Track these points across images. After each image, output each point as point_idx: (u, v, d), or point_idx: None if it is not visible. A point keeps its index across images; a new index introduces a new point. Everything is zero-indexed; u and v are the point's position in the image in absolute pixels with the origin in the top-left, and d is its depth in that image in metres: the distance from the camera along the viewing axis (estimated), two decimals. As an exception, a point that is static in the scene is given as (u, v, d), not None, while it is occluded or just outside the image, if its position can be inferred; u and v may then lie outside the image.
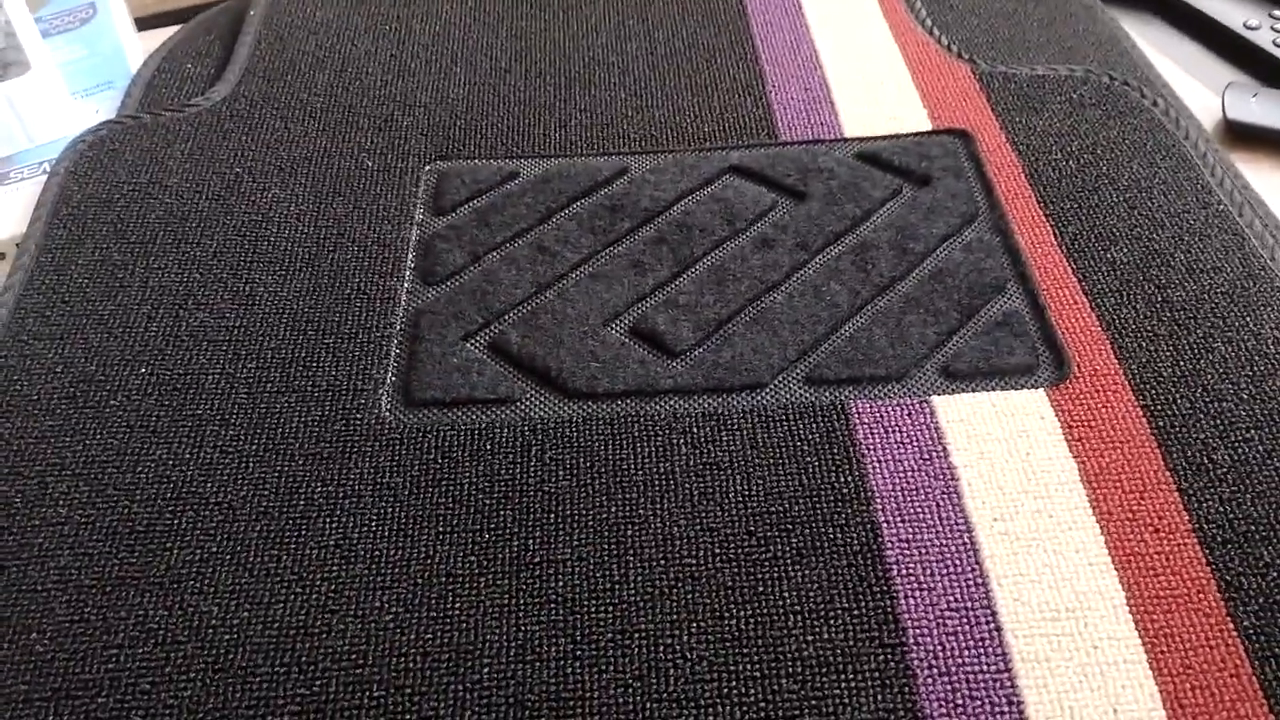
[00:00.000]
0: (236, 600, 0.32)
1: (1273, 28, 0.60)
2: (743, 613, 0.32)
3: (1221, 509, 0.33)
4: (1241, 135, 0.53)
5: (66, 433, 0.37)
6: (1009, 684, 0.30)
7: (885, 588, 0.32)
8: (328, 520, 0.34)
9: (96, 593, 0.33)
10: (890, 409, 0.37)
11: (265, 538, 0.34)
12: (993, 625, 0.31)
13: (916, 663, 0.30)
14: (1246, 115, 0.53)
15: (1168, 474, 0.34)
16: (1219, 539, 0.33)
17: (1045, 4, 0.59)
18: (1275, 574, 0.32)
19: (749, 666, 0.30)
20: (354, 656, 0.31)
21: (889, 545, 0.33)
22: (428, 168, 0.48)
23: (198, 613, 0.32)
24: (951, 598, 0.32)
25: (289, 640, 0.31)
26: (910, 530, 0.33)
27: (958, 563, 0.33)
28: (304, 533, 0.34)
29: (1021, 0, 0.59)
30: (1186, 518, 0.33)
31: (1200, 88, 0.57)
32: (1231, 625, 0.31)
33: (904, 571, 0.32)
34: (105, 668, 0.31)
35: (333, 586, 0.33)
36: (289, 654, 0.31)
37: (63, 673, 0.31)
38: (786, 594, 0.32)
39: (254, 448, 0.37)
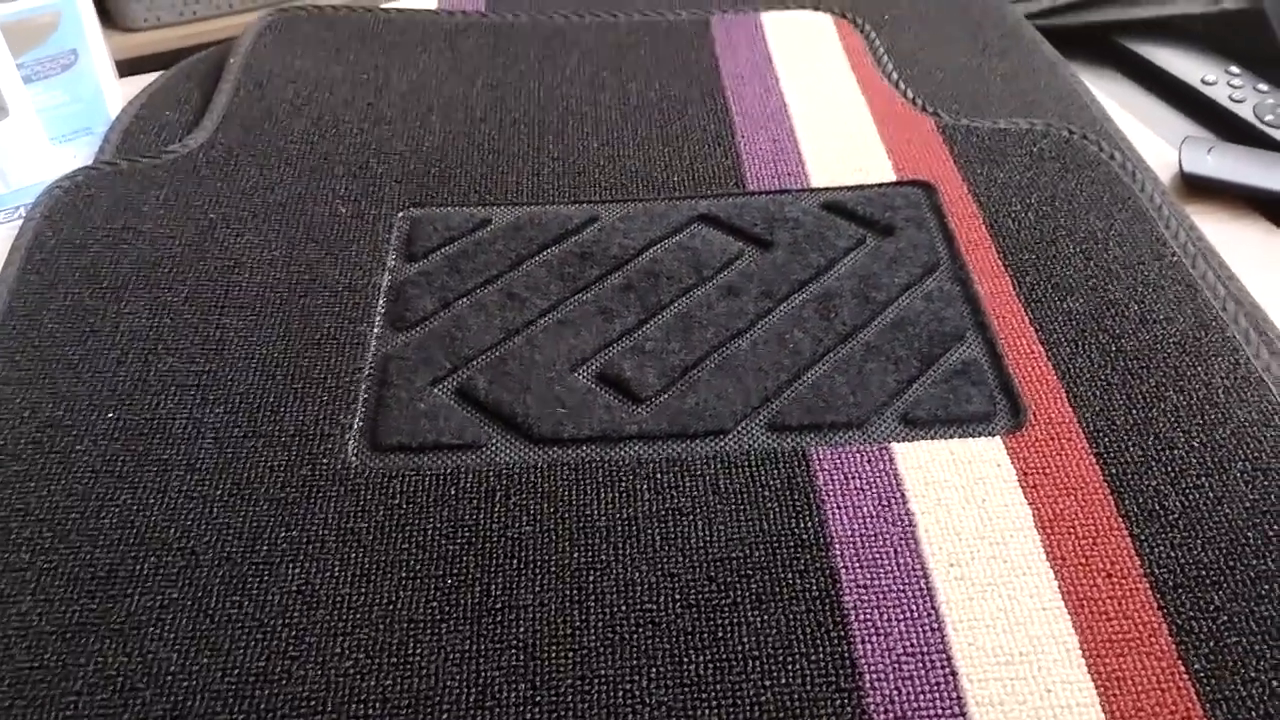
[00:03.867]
0: (196, 647, 0.32)
1: (1229, 84, 0.62)
2: (702, 658, 0.32)
3: (1173, 554, 0.34)
4: (1197, 187, 0.54)
5: (31, 477, 0.37)
6: None
7: (843, 633, 0.32)
8: (290, 566, 0.34)
9: (56, 639, 0.33)
10: (850, 456, 0.37)
11: (227, 583, 0.34)
12: (948, 670, 0.31)
13: (873, 707, 0.31)
14: (1202, 168, 0.54)
15: (1120, 520, 0.35)
16: (1170, 584, 0.33)
17: (1008, 59, 0.60)
18: (1225, 618, 0.32)
19: (708, 712, 0.31)
20: (313, 703, 0.31)
21: (847, 591, 0.33)
22: (401, 214, 0.49)
23: (157, 659, 0.32)
24: (908, 643, 0.32)
25: (248, 687, 0.31)
26: (868, 576, 0.34)
27: (914, 608, 0.33)
28: (266, 578, 0.34)
29: (985, 55, 0.61)
30: (1138, 563, 0.34)
31: (1158, 141, 0.58)
32: (1182, 668, 0.31)
33: (861, 617, 0.33)
34: (63, 715, 0.31)
35: (293, 633, 0.33)
36: (248, 701, 0.31)
37: (21, 719, 0.31)
38: (746, 639, 0.32)
39: (219, 493, 0.37)
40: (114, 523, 0.36)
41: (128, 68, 0.67)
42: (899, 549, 0.34)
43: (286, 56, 0.60)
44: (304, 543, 0.35)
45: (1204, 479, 0.36)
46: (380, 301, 0.44)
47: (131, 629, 0.33)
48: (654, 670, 0.32)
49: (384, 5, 0.66)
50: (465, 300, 0.45)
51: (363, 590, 0.34)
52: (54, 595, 0.34)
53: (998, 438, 0.38)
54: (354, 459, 0.38)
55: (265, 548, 0.35)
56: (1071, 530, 0.35)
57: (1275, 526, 0.34)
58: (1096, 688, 0.31)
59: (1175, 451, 0.37)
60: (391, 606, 0.33)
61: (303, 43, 0.61)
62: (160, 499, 0.36)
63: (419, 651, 0.32)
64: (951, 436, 0.38)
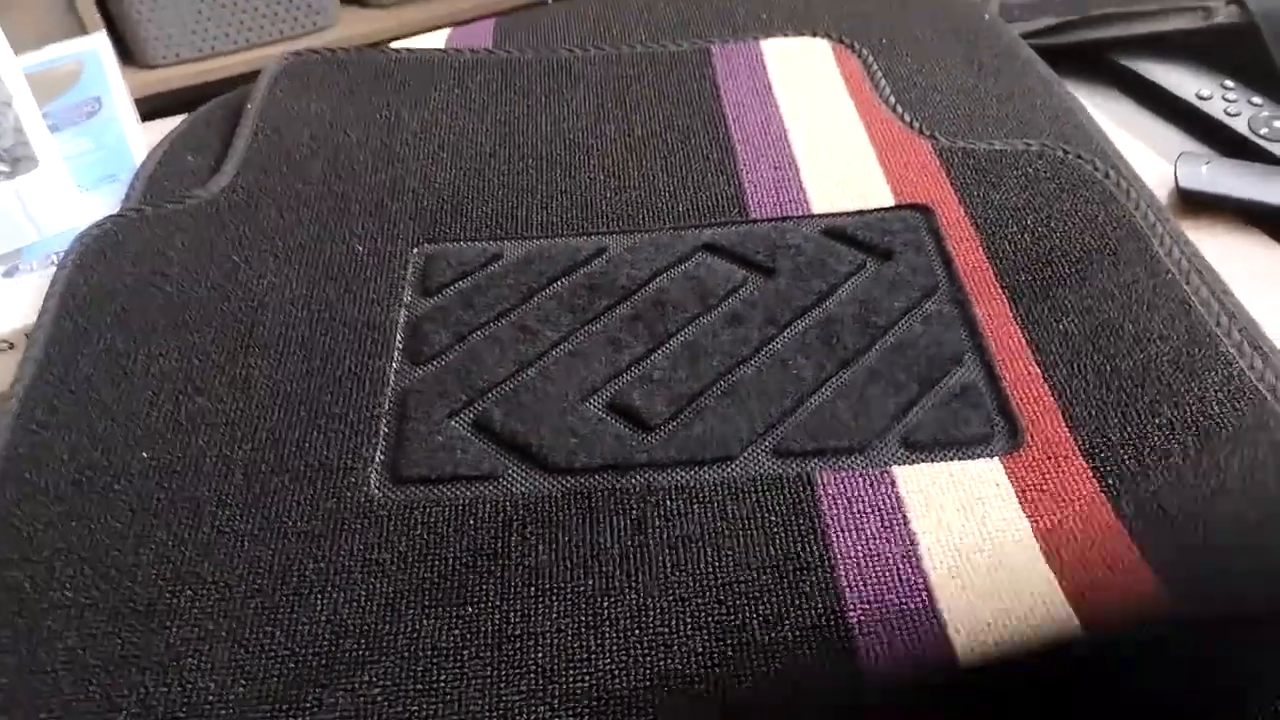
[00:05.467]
0: (232, 676, 0.34)
1: (1224, 98, 0.63)
2: (713, 677, 0.33)
3: (1172, 541, 0.35)
4: (1194, 203, 0.55)
5: (73, 518, 0.39)
6: None
7: (848, 649, 0.34)
8: (319, 596, 0.36)
9: (101, 671, 0.34)
10: (853, 479, 0.39)
11: (260, 614, 0.36)
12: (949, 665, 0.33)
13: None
14: (1197, 183, 0.55)
15: (1118, 521, 0.36)
16: (1173, 563, 0.34)
17: (1004, 80, 0.62)
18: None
19: (720, 730, 0.32)
20: (344, 729, 0.33)
21: (851, 609, 0.35)
22: (415, 250, 0.51)
23: (195, 689, 0.34)
24: (911, 649, 0.33)
25: (282, 715, 0.33)
26: (872, 594, 0.35)
27: (917, 619, 0.34)
28: (296, 609, 0.36)
29: (981, 76, 0.62)
30: (1138, 552, 0.35)
31: (1155, 157, 0.59)
32: None
33: (866, 631, 0.34)
34: (108, 744, 0.33)
35: (324, 661, 0.34)
36: (282, 728, 0.33)
37: (67, 750, 0.33)
38: (755, 658, 0.34)
39: (249, 527, 0.38)
40: (152, 559, 0.37)
41: (148, 104, 0.70)
42: (901, 568, 0.36)
43: (301, 99, 0.62)
44: (331, 574, 0.37)
45: (1200, 480, 0.37)
46: (398, 337, 0.46)
47: (171, 660, 0.34)
48: (668, 690, 0.33)
49: (394, 45, 0.68)
50: (479, 334, 0.46)
51: (388, 619, 0.35)
52: (97, 630, 0.35)
53: (996, 459, 0.39)
54: (377, 491, 0.40)
55: (295, 579, 0.37)
56: (1071, 536, 0.36)
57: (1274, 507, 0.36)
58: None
59: (1171, 460, 0.38)
60: (416, 634, 0.35)
61: (316, 85, 0.63)
62: (194, 535, 0.38)
63: (443, 678, 0.34)
64: (951, 459, 0.39)
